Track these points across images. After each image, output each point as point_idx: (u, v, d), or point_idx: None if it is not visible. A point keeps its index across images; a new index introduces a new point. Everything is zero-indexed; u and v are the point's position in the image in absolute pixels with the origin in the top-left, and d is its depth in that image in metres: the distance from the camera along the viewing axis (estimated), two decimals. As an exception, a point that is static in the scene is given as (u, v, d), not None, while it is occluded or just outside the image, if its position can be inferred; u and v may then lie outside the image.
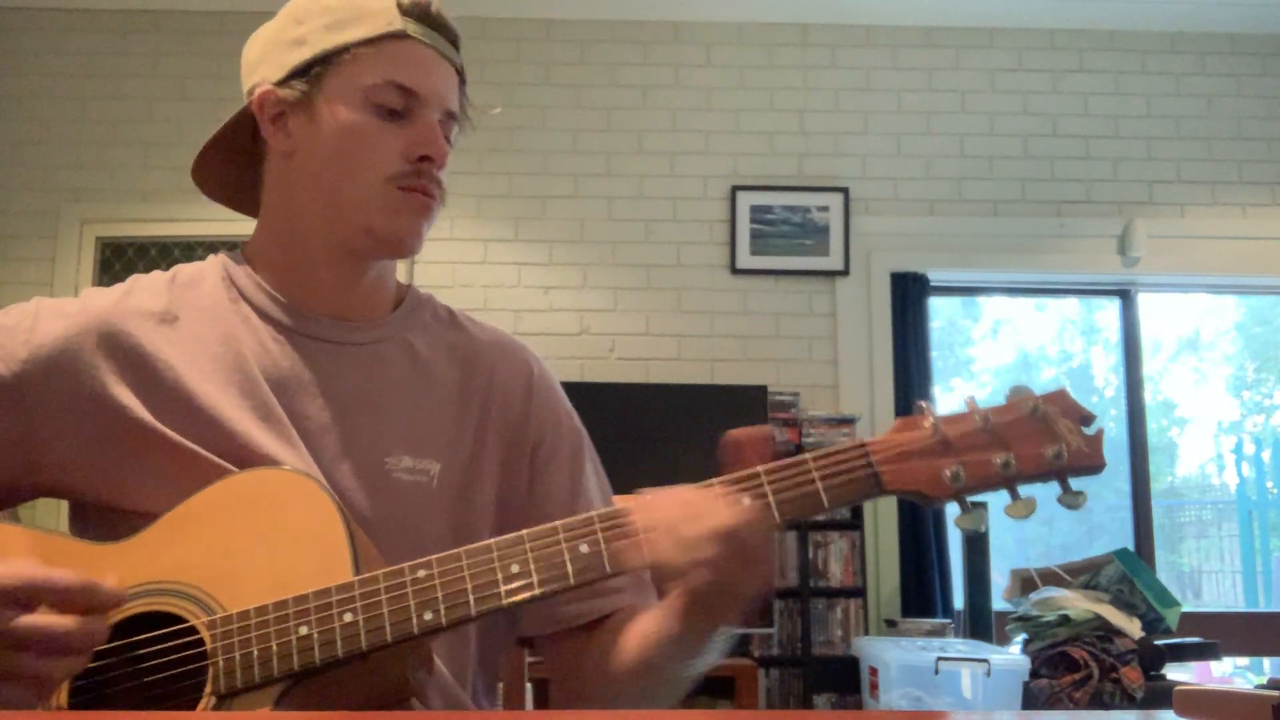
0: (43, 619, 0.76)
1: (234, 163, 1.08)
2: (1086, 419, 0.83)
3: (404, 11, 1.00)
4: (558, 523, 0.85)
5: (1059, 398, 0.84)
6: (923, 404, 0.86)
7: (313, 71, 0.99)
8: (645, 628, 0.96)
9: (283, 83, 1.00)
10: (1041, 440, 0.83)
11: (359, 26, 0.99)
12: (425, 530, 0.97)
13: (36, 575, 0.76)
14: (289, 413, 0.97)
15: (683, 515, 0.82)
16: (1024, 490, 0.83)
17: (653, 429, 3.54)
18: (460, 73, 1.05)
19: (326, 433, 0.97)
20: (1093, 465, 0.82)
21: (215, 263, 1.07)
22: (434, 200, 1.01)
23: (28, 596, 0.75)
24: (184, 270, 1.06)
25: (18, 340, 0.94)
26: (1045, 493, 0.84)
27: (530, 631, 1.07)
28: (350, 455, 0.97)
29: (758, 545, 0.81)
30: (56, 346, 0.94)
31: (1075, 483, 0.83)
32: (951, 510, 0.85)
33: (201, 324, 1.00)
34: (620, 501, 1.19)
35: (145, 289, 1.02)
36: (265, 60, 1.03)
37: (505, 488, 1.05)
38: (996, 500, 0.84)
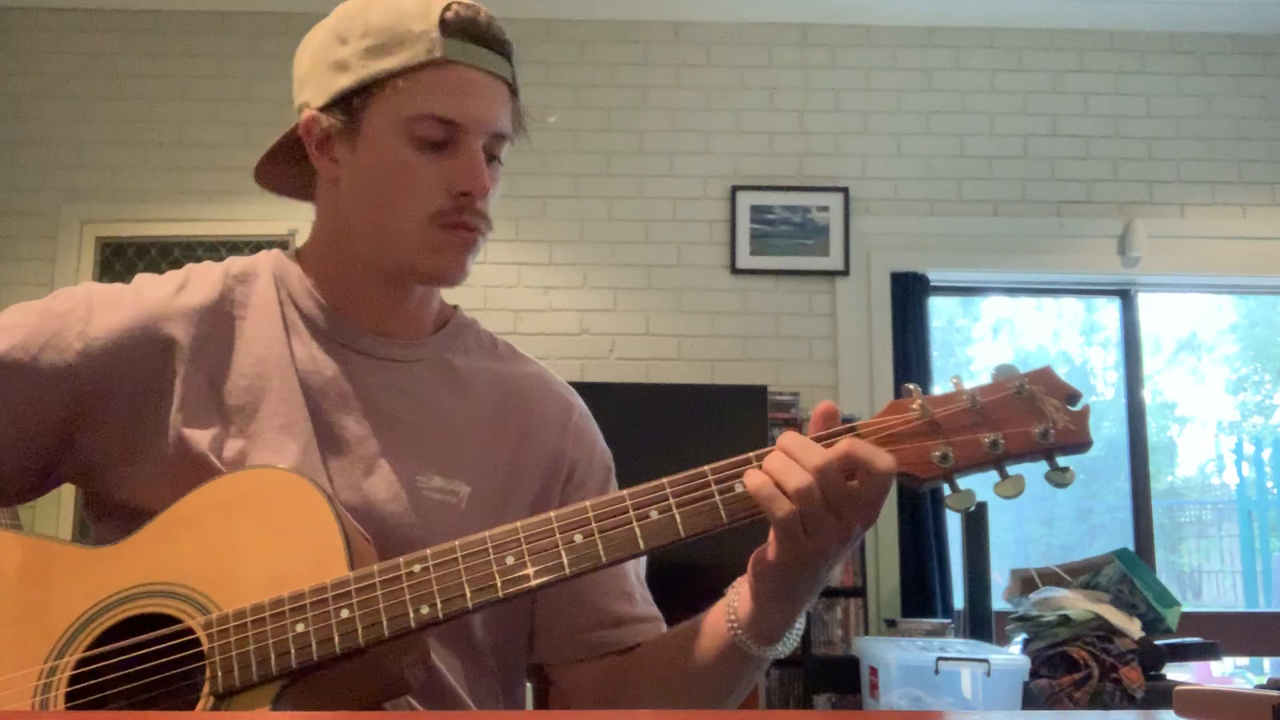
0: None
1: (295, 164, 1.07)
2: (1072, 396, 0.84)
3: (447, 31, 0.96)
4: (551, 513, 0.85)
5: (1044, 375, 0.85)
6: (911, 386, 0.87)
7: (354, 102, 0.97)
8: (708, 627, 0.95)
9: (326, 108, 0.99)
10: (1028, 419, 0.83)
11: (399, 53, 0.95)
12: None
13: None
14: (325, 422, 0.97)
15: (801, 443, 0.82)
16: (1012, 469, 0.83)
17: (653, 429, 3.54)
18: (511, 85, 1.01)
19: (360, 444, 0.98)
20: (1080, 442, 0.83)
21: (268, 261, 1.06)
22: (477, 234, 0.99)
23: None
24: (237, 263, 1.05)
25: (73, 330, 0.94)
26: (1033, 471, 0.84)
27: (549, 658, 1.06)
28: (382, 469, 0.97)
29: (883, 472, 0.81)
30: (112, 339, 0.95)
31: (1062, 460, 0.83)
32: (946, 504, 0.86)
33: (250, 323, 1.00)
34: None
35: (199, 282, 1.02)
36: (311, 80, 1.01)
37: (535, 513, 1.05)
38: (985, 481, 0.85)
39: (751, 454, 0.85)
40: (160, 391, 0.94)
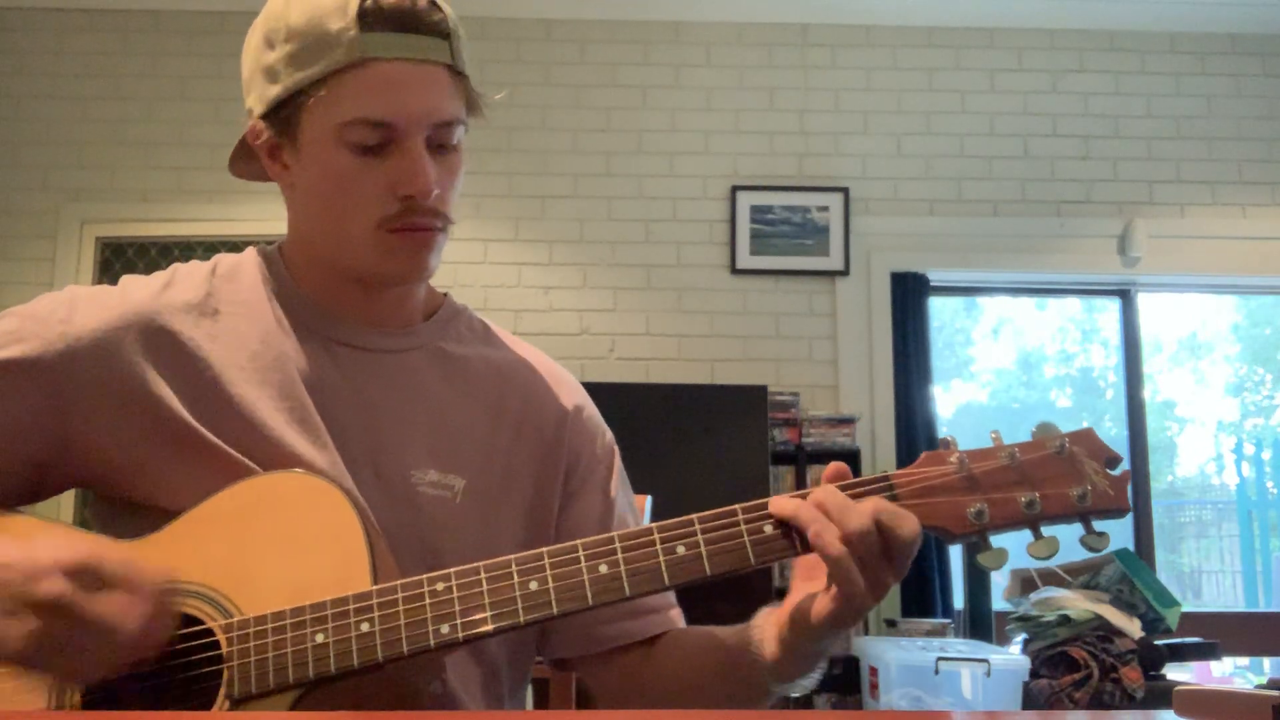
0: (127, 611, 0.74)
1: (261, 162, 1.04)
2: (1113, 460, 0.83)
3: (367, 23, 0.90)
4: (578, 541, 0.84)
5: (1085, 437, 0.84)
6: (949, 438, 0.86)
7: (285, 112, 0.94)
8: (730, 654, 0.94)
9: (266, 117, 0.96)
10: (1067, 480, 0.82)
11: (319, 58, 0.90)
12: (445, 546, 0.96)
13: (131, 568, 0.74)
14: (322, 417, 0.95)
15: (841, 505, 0.80)
16: (1047, 530, 0.83)
17: (653, 429, 3.54)
18: (452, 65, 0.94)
19: (354, 440, 0.96)
20: (1117, 508, 0.82)
21: (252, 257, 1.04)
22: (431, 233, 0.96)
23: (113, 583, 0.74)
24: (224, 260, 1.04)
25: (53, 330, 0.92)
26: (1067, 532, 0.84)
27: (566, 653, 1.05)
28: (376, 464, 0.96)
29: (907, 540, 0.80)
30: (95, 338, 0.92)
31: (1098, 524, 0.83)
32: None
33: (241, 319, 0.98)
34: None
35: (185, 280, 1.00)
36: (252, 85, 0.97)
37: (535, 510, 1.03)
38: (1018, 538, 0.84)
39: (785, 497, 0.84)
40: (154, 388, 0.92)
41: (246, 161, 1.05)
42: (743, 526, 0.83)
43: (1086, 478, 0.82)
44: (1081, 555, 3.47)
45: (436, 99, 0.93)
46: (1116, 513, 0.82)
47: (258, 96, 0.96)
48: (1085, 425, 0.85)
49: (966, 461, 0.83)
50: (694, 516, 0.84)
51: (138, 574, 0.76)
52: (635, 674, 1.03)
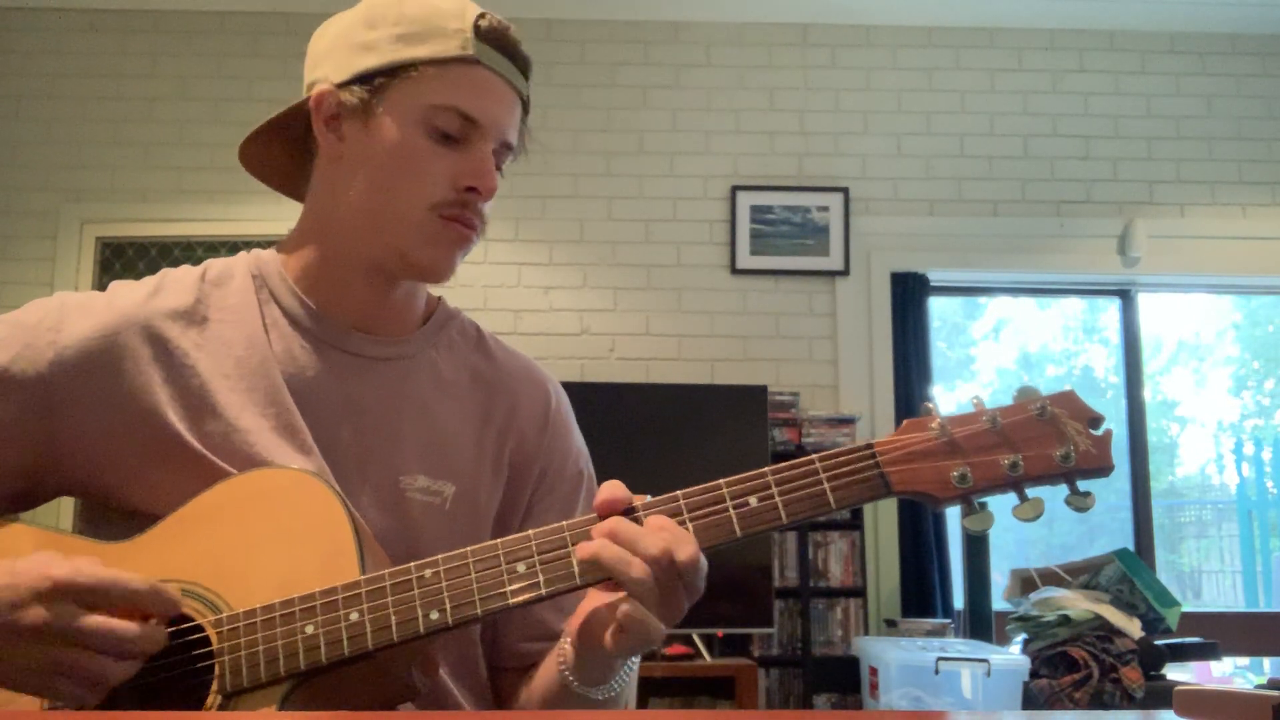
0: (111, 622, 0.77)
1: (286, 149, 1.06)
2: (1095, 420, 0.83)
3: (480, 35, 0.98)
4: (564, 523, 0.85)
5: (1067, 399, 0.84)
6: (929, 405, 0.86)
7: (376, 81, 0.98)
8: (550, 662, 0.95)
9: (344, 85, 0.99)
10: (1049, 442, 0.82)
11: (431, 44, 0.97)
12: (435, 553, 0.95)
13: (107, 576, 0.77)
14: (309, 423, 0.96)
15: (634, 533, 0.81)
16: (1031, 492, 0.83)
17: (653, 429, 3.54)
18: (525, 102, 1.04)
19: (344, 446, 0.97)
20: (1101, 467, 0.82)
21: (245, 260, 1.05)
22: (473, 232, 1.00)
23: (95, 597, 0.76)
24: (214, 266, 1.04)
25: (43, 339, 0.93)
26: (1053, 494, 0.84)
27: (493, 660, 1.06)
28: (366, 471, 0.97)
29: (682, 583, 0.80)
30: (84, 347, 0.93)
31: (1083, 484, 0.83)
32: (954, 509, 0.85)
33: (228, 325, 0.99)
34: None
35: (173, 286, 1.00)
36: (331, 57, 1.01)
37: (503, 511, 1.04)
38: (1003, 501, 0.84)
39: (767, 469, 0.84)
40: (141, 396, 0.93)
41: (264, 145, 1.05)
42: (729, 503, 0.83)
43: (1069, 438, 0.82)
44: (1081, 554, 3.47)
45: (512, 120, 1.02)
46: (1100, 471, 0.83)
47: (337, 66, 1.00)
48: (1067, 388, 0.85)
49: (948, 426, 0.83)
50: (678, 493, 0.84)
51: (116, 585, 0.78)
52: (513, 692, 1.03)
